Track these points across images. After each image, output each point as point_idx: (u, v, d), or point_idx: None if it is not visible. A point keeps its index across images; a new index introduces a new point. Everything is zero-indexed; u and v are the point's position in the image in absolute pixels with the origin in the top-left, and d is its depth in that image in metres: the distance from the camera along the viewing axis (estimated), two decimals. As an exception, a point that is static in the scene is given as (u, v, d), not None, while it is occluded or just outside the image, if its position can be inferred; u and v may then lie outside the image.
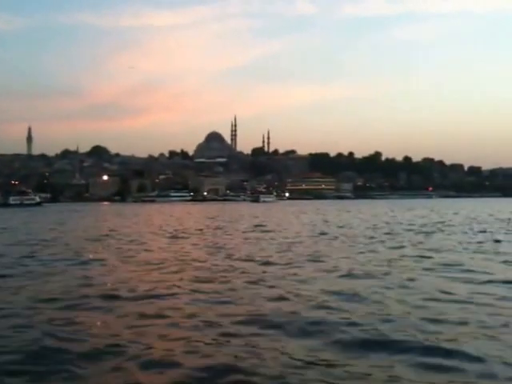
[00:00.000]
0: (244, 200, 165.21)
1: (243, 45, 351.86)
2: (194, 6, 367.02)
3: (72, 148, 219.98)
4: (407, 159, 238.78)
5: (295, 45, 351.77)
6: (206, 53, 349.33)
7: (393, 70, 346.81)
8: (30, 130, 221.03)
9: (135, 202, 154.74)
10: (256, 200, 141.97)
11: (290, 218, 46.31)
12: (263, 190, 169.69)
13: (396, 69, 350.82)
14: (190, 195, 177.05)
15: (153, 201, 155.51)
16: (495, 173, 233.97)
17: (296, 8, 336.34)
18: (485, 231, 26.49)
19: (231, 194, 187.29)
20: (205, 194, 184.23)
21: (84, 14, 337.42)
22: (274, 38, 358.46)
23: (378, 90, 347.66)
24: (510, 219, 35.76)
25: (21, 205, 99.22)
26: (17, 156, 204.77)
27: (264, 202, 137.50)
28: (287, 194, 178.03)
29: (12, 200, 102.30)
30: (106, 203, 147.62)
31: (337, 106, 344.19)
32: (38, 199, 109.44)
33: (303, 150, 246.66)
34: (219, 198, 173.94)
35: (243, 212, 66.57)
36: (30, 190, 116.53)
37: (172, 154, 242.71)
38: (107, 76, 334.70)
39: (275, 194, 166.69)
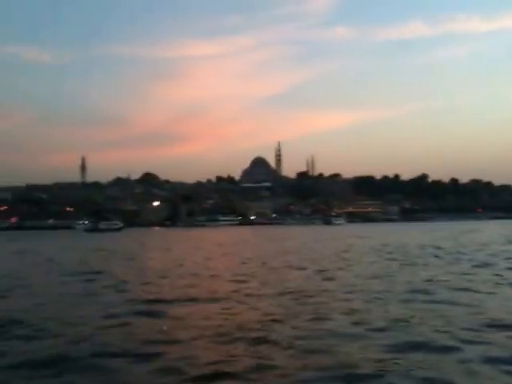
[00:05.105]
0: (291, 224, 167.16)
1: (282, 71, 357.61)
2: (232, 35, 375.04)
3: (123, 175, 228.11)
4: (454, 181, 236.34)
5: (334, 69, 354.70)
6: (246, 80, 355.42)
7: (437, 89, 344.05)
8: (83, 159, 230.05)
9: (187, 226, 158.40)
10: (328, 223, 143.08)
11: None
12: (334, 214, 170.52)
13: (441, 88, 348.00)
14: (238, 219, 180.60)
15: (203, 225, 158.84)
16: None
17: (334, 33, 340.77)
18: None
19: (278, 217, 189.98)
20: (252, 217, 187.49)
21: (130, 45, 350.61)
22: (313, 63, 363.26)
23: (422, 111, 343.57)
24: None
25: (108, 230, 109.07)
26: (72, 184, 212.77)
27: (336, 224, 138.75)
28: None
29: (101, 225, 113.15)
30: (157, 228, 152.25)
31: (381, 128, 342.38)
32: (121, 224, 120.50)
33: (348, 173, 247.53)
34: (267, 222, 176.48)
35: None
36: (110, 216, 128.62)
37: (219, 179, 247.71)
38: (154, 105, 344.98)
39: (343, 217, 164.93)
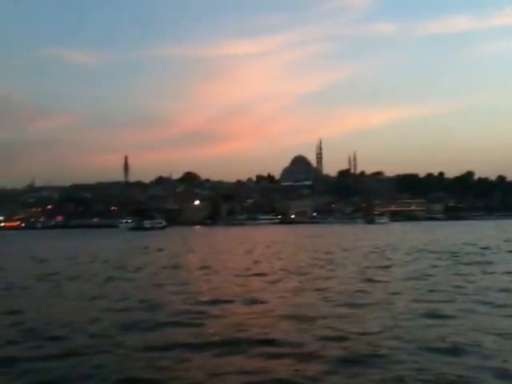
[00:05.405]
0: (332, 223, 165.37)
1: (323, 68, 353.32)
2: (273, 34, 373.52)
3: (165, 175, 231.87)
4: (501, 178, 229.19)
5: (377, 65, 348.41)
6: (287, 78, 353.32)
7: (483, 84, 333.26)
8: (126, 158, 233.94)
9: (227, 225, 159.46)
10: (371, 222, 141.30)
11: None
12: (376, 212, 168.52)
13: (485, 85, 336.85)
14: (278, 218, 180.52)
15: (243, 224, 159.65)
16: None
17: (377, 28, 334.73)
18: None
19: (319, 216, 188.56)
20: (292, 216, 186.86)
21: (170, 45, 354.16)
22: (355, 59, 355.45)
23: (467, 107, 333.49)
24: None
25: (152, 228, 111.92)
26: (115, 183, 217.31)
27: (379, 223, 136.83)
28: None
29: (146, 224, 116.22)
30: (198, 227, 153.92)
31: (424, 125, 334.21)
32: (164, 223, 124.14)
33: (390, 171, 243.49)
34: (307, 221, 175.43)
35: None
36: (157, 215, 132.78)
37: (259, 178, 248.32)
38: (194, 104, 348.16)
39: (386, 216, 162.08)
